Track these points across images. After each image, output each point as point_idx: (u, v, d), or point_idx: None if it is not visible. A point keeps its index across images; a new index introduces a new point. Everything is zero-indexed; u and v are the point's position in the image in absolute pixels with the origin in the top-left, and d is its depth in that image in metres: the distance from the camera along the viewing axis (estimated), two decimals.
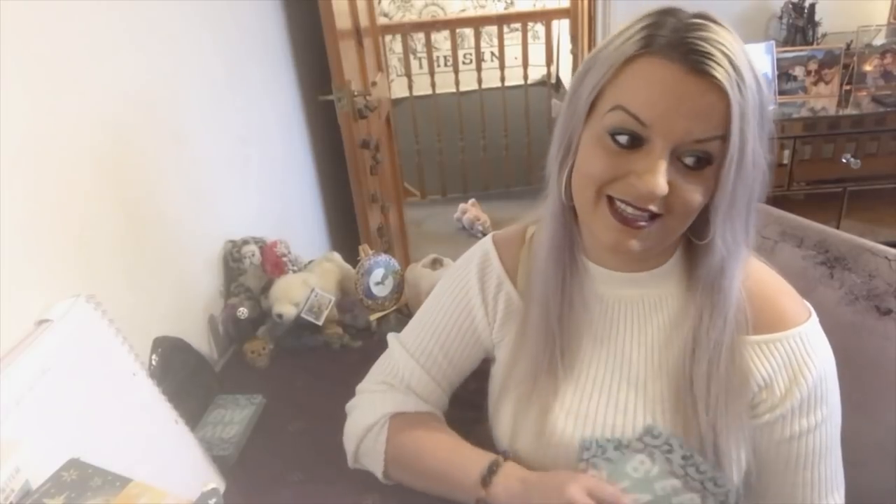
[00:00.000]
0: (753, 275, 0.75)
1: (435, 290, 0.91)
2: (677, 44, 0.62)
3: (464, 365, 0.89)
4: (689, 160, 0.64)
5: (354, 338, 1.28)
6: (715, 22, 0.64)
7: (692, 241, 0.74)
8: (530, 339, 0.80)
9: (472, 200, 3.70)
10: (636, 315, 0.78)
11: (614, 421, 0.76)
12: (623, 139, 0.65)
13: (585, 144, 0.69)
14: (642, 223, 0.66)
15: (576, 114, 0.70)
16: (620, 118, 0.65)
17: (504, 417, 0.82)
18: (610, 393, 0.78)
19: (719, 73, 0.61)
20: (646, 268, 0.77)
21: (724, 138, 0.62)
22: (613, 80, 0.66)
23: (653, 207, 0.65)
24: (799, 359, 0.72)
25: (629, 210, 0.66)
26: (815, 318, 0.75)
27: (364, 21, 2.35)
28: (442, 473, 0.80)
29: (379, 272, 1.27)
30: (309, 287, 1.24)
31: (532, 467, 0.79)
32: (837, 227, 1.22)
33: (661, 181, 0.63)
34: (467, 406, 0.92)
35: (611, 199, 0.67)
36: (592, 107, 0.68)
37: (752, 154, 0.64)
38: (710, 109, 0.62)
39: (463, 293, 0.87)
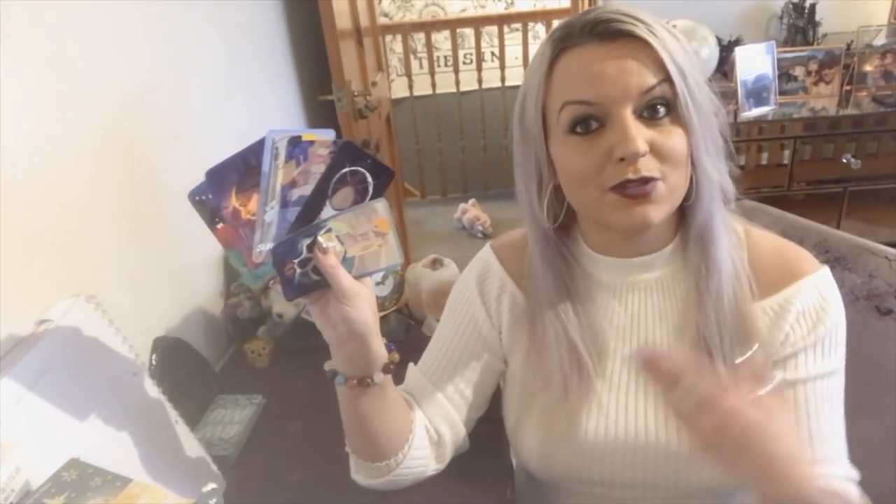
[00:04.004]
0: (755, 239, 0.77)
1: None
2: (584, 29, 0.67)
3: (474, 377, 0.85)
4: (653, 109, 0.67)
5: None
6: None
7: (687, 217, 0.75)
8: (550, 347, 0.78)
9: (472, 200, 3.69)
10: (654, 299, 0.78)
11: (636, 407, 0.77)
12: (582, 127, 0.68)
13: (559, 156, 0.71)
14: (648, 188, 0.67)
15: (533, 138, 0.72)
16: (571, 111, 0.68)
17: (530, 424, 0.81)
18: (638, 383, 0.78)
19: (628, 27, 0.65)
20: (654, 248, 0.77)
21: (669, 79, 0.66)
22: (548, 90, 0.70)
23: (646, 173, 0.66)
24: (817, 305, 0.74)
25: (632, 186, 0.67)
26: (826, 269, 0.76)
27: (364, 21, 2.35)
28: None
29: (379, 272, 1.27)
30: None
31: (561, 468, 0.80)
32: (837, 227, 1.23)
33: (637, 139, 0.65)
34: None
35: (614, 188, 0.68)
36: (545, 124, 0.71)
37: (698, 91, 0.67)
38: (638, 61, 0.65)
39: (464, 303, 0.86)
